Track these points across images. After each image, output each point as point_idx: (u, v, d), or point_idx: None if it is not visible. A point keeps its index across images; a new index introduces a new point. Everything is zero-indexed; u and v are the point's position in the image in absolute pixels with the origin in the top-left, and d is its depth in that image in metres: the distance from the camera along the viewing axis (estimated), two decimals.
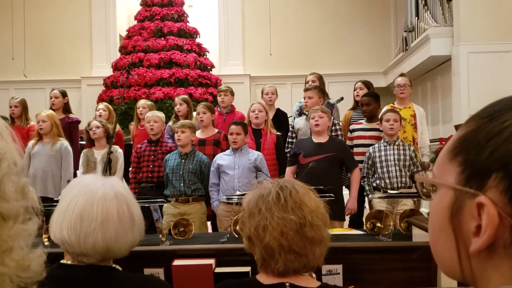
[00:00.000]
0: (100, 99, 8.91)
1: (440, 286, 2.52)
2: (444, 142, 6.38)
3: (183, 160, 4.42)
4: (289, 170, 4.41)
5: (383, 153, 4.38)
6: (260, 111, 4.84)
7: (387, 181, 4.32)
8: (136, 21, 9.97)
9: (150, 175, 4.69)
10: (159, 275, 2.48)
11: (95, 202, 1.39)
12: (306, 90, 5.06)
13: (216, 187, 4.39)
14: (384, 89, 9.40)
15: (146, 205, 2.84)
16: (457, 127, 6.03)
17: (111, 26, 11.07)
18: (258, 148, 4.67)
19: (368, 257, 2.68)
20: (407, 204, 4.01)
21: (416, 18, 8.63)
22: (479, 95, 6.65)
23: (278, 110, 5.61)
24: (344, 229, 3.81)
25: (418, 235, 2.80)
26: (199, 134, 4.87)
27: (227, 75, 10.38)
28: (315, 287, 1.48)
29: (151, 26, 9.59)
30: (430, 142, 5.77)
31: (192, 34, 9.87)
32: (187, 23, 9.98)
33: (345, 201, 4.38)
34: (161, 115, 5.01)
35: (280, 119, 5.50)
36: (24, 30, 10.75)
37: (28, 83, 10.58)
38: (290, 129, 5.07)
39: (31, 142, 5.07)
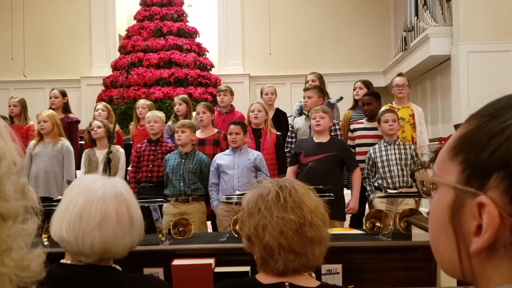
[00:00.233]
0: (100, 99, 8.90)
1: (440, 285, 2.52)
2: (443, 142, 6.38)
3: (183, 160, 4.42)
4: (290, 170, 4.41)
5: (383, 153, 4.38)
6: (260, 111, 4.83)
7: (389, 180, 4.32)
8: (135, 20, 9.96)
9: (149, 175, 4.69)
10: (159, 274, 2.48)
11: (95, 202, 1.39)
12: (305, 89, 5.06)
13: (216, 187, 4.39)
14: (384, 89, 9.39)
15: (146, 205, 2.84)
16: (456, 126, 6.03)
17: (111, 25, 11.07)
18: (257, 148, 4.67)
19: (367, 257, 2.68)
20: (409, 203, 4.01)
21: (416, 17, 8.63)
22: (479, 94, 6.65)
23: (278, 110, 5.61)
24: (343, 229, 3.81)
25: (418, 235, 2.80)
26: (198, 134, 4.87)
27: (227, 75, 10.38)
28: (315, 286, 1.48)
29: (151, 25, 9.59)
30: (430, 142, 5.77)
31: (191, 34, 9.87)
32: (187, 23, 9.97)
33: (346, 201, 4.38)
34: (161, 115, 5.01)
35: (280, 119, 5.50)
36: (24, 30, 10.75)
37: (28, 83, 10.58)
38: (290, 128, 5.07)
39: (32, 142, 5.06)
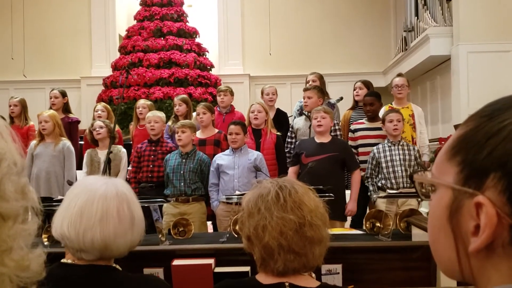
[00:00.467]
0: (100, 99, 8.91)
1: (440, 285, 2.52)
2: (443, 142, 6.38)
3: (183, 160, 4.42)
4: (291, 170, 4.41)
5: (388, 153, 4.37)
6: (260, 112, 4.83)
7: (393, 181, 4.31)
8: (135, 21, 9.97)
9: (150, 175, 4.69)
10: (159, 275, 2.48)
11: (96, 199, 1.40)
12: (305, 90, 5.06)
13: (216, 187, 4.39)
14: (384, 89, 9.38)
15: (146, 205, 2.84)
16: (456, 126, 6.02)
17: (111, 26, 11.07)
18: (258, 148, 4.67)
19: (367, 257, 2.68)
20: (411, 204, 4.01)
21: (416, 18, 8.63)
22: (479, 94, 6.65)
23: (278, 110, 5.61)
24: (343, 229, 3.81)
25: (418, 235, 2.80)
26: (199, 134, 4.87)
27: (227, 75, 10.38)
28: (315, 287, 1.48)
29: (151, 26, 9.59)
30: (430, 142, 5.77)
31: (191, 34, 9.87)
32: (187, 23, 9.98)
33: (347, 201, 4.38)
34: (161, 115, 5.01)
35: (281, 119, 5.49)
36: (24, 30, 10.75)
37: (28, 83, 10.58)
38: (290, 129, 5.07)
39: (33, 143, 5.06)
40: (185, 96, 5.86)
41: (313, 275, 1.62)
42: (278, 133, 4.89)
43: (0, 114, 4.56)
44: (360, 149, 4.74)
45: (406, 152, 4.38)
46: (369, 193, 4.47)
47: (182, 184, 4.37)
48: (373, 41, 10.82)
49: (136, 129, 5.71)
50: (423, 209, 4.49)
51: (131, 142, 5.79)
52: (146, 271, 2.45)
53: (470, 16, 7.07)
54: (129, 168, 5.10)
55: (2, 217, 0.64)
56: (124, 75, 5.60)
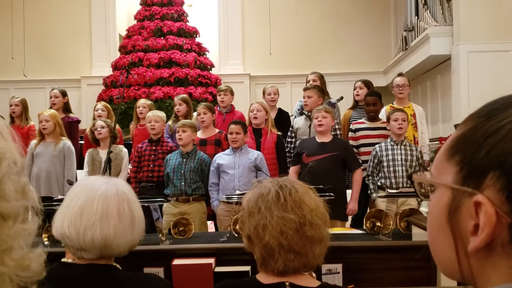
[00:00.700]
0: (100, 99, 8.90)
1: (440, 285, 2.52)
2: (443, 141, 6.38)
3: (184, 159, 4.42)
4: (292, 169, 4.41)
5: (390, 152, 4.37)
6: (259, 111, 4.83)
7: (393, 180, 4.31)
8: (135, 20, 9.96)
9: (150, 175, 4.69)
10: (159, 274, 2.48)
11: (96, 198, 1.41)
12: (305, 89, 5.06)
13: (216, 187, 4.39)
14: (384, 89, 9.38)
15: (146, 204, 2.84)
16: (456, 126, 6.02)
17: (111, 25, 11.07)
18: (258, 148, 4.67)
19: (368, 257, 2.68)
20: (411, 204, 4.00)
21: (416, 17, 8.63)
22: (479, 94, 6.65)
23: (280, 110, 5.61)
24: (344, 229, 3.81)
25: (418, 235, 2.80)
26: (200, 134, 4.87)
27: (227, 75, 10.38)
28: (315, 286, 1.48)
29: (151, 25, 9.59)
30: (430, 142, 5.78)
31: (191, 33, 9.87)
32: (187, 23, 9.97)
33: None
34: (162, 115, 5.01)
35: (282, 119, 5.49)
36: (24, 30, 10.75)
37: (28, 82, 10.58)
38: (290, 128, 5.07)
39: (33, 142, 5.06)
40: (185, 95, 5.86)
41: (314, 274, 1.62)
42: (279, 133, 4.89)
43: (0, 114, 4.57)
44: (362, 149, 4.73)
45: (408, 152, 4.37)
46: (369, 192, 4.47)
47: (183, 183, 4.37)
48: (373, 41, 10.81)
49: (136, 129, 5.71)
50: (424, 208, 4.49)
51: (131, 142, 5.79)
52: (147, 270, 2.45)
53: (471, 16, 7.06)
54: (129, 167, 5.10)
55: (2, 216, 0.64)
56: (124, 74, 5.60)
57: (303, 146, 4.42)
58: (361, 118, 5.04)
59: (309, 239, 1.43)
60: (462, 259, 0.63)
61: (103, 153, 5.00)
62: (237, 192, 3.78)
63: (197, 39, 9.98)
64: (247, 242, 1.49)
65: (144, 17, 9.78)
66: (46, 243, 2.74)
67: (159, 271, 2.50)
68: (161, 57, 9.23)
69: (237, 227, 2.72)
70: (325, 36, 10.83)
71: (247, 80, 10.74)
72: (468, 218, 0.61)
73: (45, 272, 0.71)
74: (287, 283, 1.45)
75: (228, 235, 2.95)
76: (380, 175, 4.40)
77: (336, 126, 4.75)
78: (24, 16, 10.73)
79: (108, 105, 6.14)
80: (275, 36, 10.69)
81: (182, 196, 4.37)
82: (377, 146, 4.47)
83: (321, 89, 5.10)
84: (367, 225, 3.12)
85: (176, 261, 2.47)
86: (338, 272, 2.52)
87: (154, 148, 4.79)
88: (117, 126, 5.60)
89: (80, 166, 5.28)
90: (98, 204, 1.40)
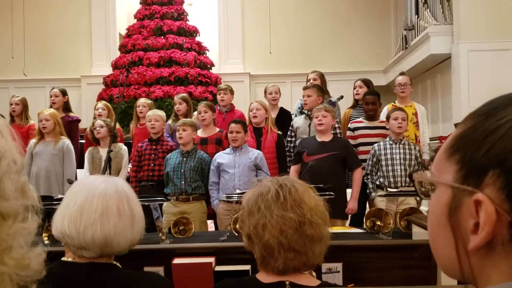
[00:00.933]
0: (100, 98, 8.91)
1: (440, 284, 2.52)
2: (444, 140, 6.38)
3: (184, 158, 4.42)
4: (293, 169, 4.41)
5: (388, 151, 4.37)
6: (258, 109, 4.83)
7: (391, 179, 4.31)
8: (135, 19, 9.97)
9: (151, 174, 4.69)
10: (159, 273, 2.48)
11: (96, 196, 1.41)
12: (304, 88, 5.06)
13: (216, 186, 4.39)
14: (384, 88, 9.39)
15: (146, 203, 2.84)
16: (457, 125, 6.02)
17: (111, 24, 11.07)
18: (258, 147, 4.67)
19: (368, 256, 2.68)
20: (410, 203, 4.00)
21: (416, 16, 8.63)
22: (479, 93, 6.65)
23: (282, 109, 5.61)
24: (344, 228, 3.81)
25: (418, 233, 2.80)
26: (200, 133, 4.86)
27: (227, 74, 10.38)
28: (315, 285, 1.48)
29: (151, 24, 9.59)
30: (430, 141, 5.78)
31: (191, 32, 9.87)
32: (187, 22, 9.98)
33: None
34: (162, 114, 5.01)
35: (284, 118, 5.48)
36: (24, 29, 10.75)
37: (28, 82, 10.58)
38: (290, 127, 5.06)
39: (32, 141, 5.06)
40: (185, 95, 5.86)
41: (314, 273, 1.62)
42: (279, 132, 4.89)
43: (0, 113, 4.57)
44: (361, 148, 4.73)
45: (407, 151, 4.37)
46: (368, 191, 4.47)
47: (183, 182, 4.37)
48: (373, 40, 10.81)
49: (136, 128, 5.71)
50: (424, 207, 4.49)
51: (131, 141, 5.79)
52: (147, 269, 2.45)
53: (471, 15, 7.06)
54: (129, 166, 5.10)
55: (2, 216, 0.64)
56: (124, 73, 5.59)
57: (303, 145, 4.42)
58: (361, 117, 5.04)
59: (308, 238, 1.43)
60: (463, 258, 0.63)
61: (103, 152, 5.00)
62: (237, 191, 3.78)
63: (197, 38, 9.98)
64: (247, 241, 1.49)
65: (144, 16, 9.78)
66: (46, 242, 2.74)
67: (159, 270, 2.50)
68: (161, 56, 9.23)
69: (237, 226, 2.72)
70: (325, 35, 10.83)
71: (247, 79, 10.74)
72: (469, 217, 0.61)
73: (45, 271, 0.71)
74: (287, 282, 1.45)
75: (228, 234, 2.95)
76: (379, 174, 4.40)
77: (336, 125, 4.75)
78: (24, 15, 10.73)
79: (109, 104, 6.14)
80: (275, 35, 10.69)
81: (182, 195, 4.37)
82: (375, 145, 4.46)
83: (321, 88, 5.09)
84: (367, 224, 3.12)
85: (176, 260, 2.47)
86: (338, 271, 2.52)
87: (154, 147, 4.79)
88: (118, 126, 5.61)
89: (80, 165, 5.28)
90: (98, 202, 1.40)
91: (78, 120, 6.06)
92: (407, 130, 4.82)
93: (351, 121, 5.09)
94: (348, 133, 4.90)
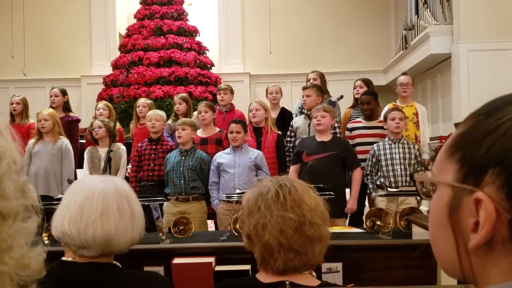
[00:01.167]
0: (100, 98, 8.91)
1: (440, 284, 2.52)
2: (444, 140, 6.39)
3: (183, 157, 4.42)
4: (292, 168, 4.41)
5: (388, 151, 4.37)
6: (258, 110, 4.83)
7: (392, 179, 4.31)
8: (135, 19, 9.97)
9: (151, 174, 4.69)
10: (159, 273, 2.48)
11: (96, 195, 1.41)
12: (304, 88, 5.06)
13: (216, 186, 4.39)
14: (384, 88, 9.40)
15: (146, 203, 2.84)
16: (457, 125, 6.03)
17: (111, 24, 11.07)
18: (259, 147, 4.67)
19: (368, 255, 2.68)
20: (410, 203, 4.01)
21: (416, 16, 8.63)
22: (479, 93, 6.65)
23: (283, 109, 5.60)
24: (344, 227, 3.81)
25: (418, 233, 2.80)
26: (201, 133, 4.86)
27: (227, 74, 10.38)
28: (315, 285, 1.48)
29: (151, 24, 9.59)
30: (430, 140, 5.78)
31: (191, 32, 9.87)
32: (187, 22, 9.97)
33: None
34: (162, 114, 5.01)
35: (286, 118, 5.48)
36: (24, 29, 10.75)
37: (28, 81, 10.58)
38: (289, 127, 5.06)
39: (31, 141, 5.06)
40: (185, 94, 5.86)
41: (314, 273, 1.62)
42: (279, 132, 4.89)
43: (0, 113, 4.57)
44: (358, 148, 4.74)
45: (406, 150, 4.38)
46: (368, 191, 4.47)
47: (182, 182, 4.37)
48: (373, 40, 10.81)
49: (136, 128, 5.70)
50: (424, 207, 4.49)
51: (131, 141, 5.79)
52: (147, 269, 2.45)
53: (471, 15, 7.06)
54: (129, 166, 5.10)
55: (2, 215, 0.64)
56: (124, 73, 5.60)
57: (303, 145, 4.42)
58: (361, 117, 5.05)
59: (308, 238, 1.43)
60: (463, 257, 0.63)
61: (102, 151, 5.01)
62: (237, 191, 3.78)
63: (197, 38, 9.98)
64: (247, 241, 1.49)
65: (144, 16, 9.78)
66: (46, 242, 2.74)
67: (159, 270, 2.50)
68: (161, 56, 9.23)
69: (237, 226, 2.72)
70: (325, 35, 10.83)
71: (247, 79, 10.74)
72: (469, 216, 0.61)
73: (45, 271, 0.71)
74: (287, 282, 1.45)
75: (228, 234, 2.95)
76: (379, 174, 4.40)
77: (336, 125, 4.75)
78: (24, 15, 10.73)
79: (110, 104, 6.13)
80: (275, 34, 10.69)
81: (181, 195, 4.37)
82: (375, 145, 4.47)
83: (320, 88, 5.09)
84: (367, 224, 3.12)
85: (176, 260, 2.47)
86: (338, 271, 2.52)
87: (154, 147, 4.79)
88: (119, 126, 5.61)
89: (80, 165, 5.28)
90: (98, 201, 1.40)
91: (78, 120, 6.05)
92: (407, 129, 4.82)
93: (350, 121, 5.10)
94: (346, 133, 4.91)
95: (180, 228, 3.13)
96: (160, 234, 2.90)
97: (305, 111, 4.90)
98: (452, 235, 0.63)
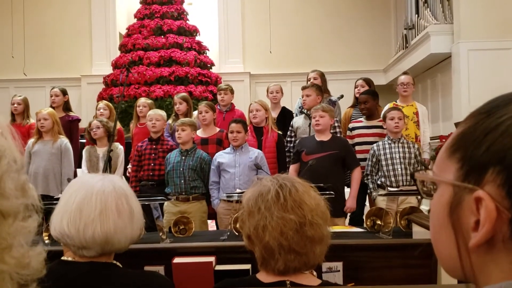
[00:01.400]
0: (100, 97, 8.91)
1: (440, 283, 2.52)
2: (444, 140, 6.39)
3: (183, 157, 4.43)
4: (292, 168, 4.41)
5: (387, 150, 4.38)
6: (258, 110, 4.83)
7: (392, 179, 4.31)
8: (135, 19, 9.96)
9: (151, 173, 4.69)
10: (159, 272, 2.48)
11: (94, 194, 1.41)
12: (303, 88, 5.06)
13: (217, 185, 4.39)
14: (384, 87, 9.39)
15: (147, 203, 2.84)
16: (457, 124, 6.02)
17: (111, 24, 11.06)
18: (259, 146, 4.67)
19: (368, 255, 2.68)
20: (411, 202, 4.00)
21: (416, 15, 8.62)
22: (479, 92, 6.65)
23: (284, 109, 5.60)
24: (344, 227, 3.81)
25: (418, 233, 2.80)
26: (201, 133, 4.86)
27: (227, 73, 10.38)
28: (316, 285, 1.48)
29: (151, 24, 9.59)
30: (430, 140, 5.78)
31: (192, 32, 9.86)
32: (187, 21, 9.97)
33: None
34: (163, 113, 5.01)
35: (286, 117, 5.48)
36: (24, 29, 10.74)
37: (28, 81, 10.58)
38: (290, 127, 5.06)
39: (30, 141, 5.06)
40: (185, 94, 5.86)
41: (314, 273, 1.62)
42: (279, 132, 4.89)
43: (0, 112, 4.57)
44: (357, 147, 4.75)
45: (406, 149, 4.38)
46: (368, 191, 4.47)
47: (182, 181, 4.37)
48: (373, 39, 10.81)
49: (136, 128, 5.71)
50: (424, 207, 4.49)
51: (131, 141, 5.79)
52: (147, 269, 2.45)
53: (471, 14, 7.06)
54: (129, 166, 5.09)
55: (2, 214, 0.64)
56: (125, 73, 5.60)
57: (302, 144, 4.42)
58: (361, 117, 5.05)
59: (309, 239, 1.42)
60: (464, 256, 0.63)
61: (100, 150, 5.02)
62: (238, 190, 3.78)
63: (197, 38, 9.98)
64: (247, 241, 1.49)
65: (144, 15, 9.78)
66: (46, 241, 2.74)
67: (160, 270, 2.50)
68: (161, 56, 9.23)
69: (238, 225, 2.72)
70: (326, 34, 10.83)
71: (247, 78, 10.74)
72: (469, 214, 0.61)
73: (45, 270, 0.70)
74: (288, 282, 1.45)
75: (228, 233, 2.95)
76: (379, 173, 4.41)
77: (336, 125, 4.75)
78: (24, 14, 10.73)
79: (110, 104, 6.13)
80: (275, 34, 10.68)
81: (182, 195, 4.37)
82: (374, 145, 4.47)
83: (319, 88, 5.09)
84: (368, 223, 3.12)
85: (177, 260, 2.47)
86: (339, 270, 2.52)
87: (154, 146, 4.79)
88: (120, 126, 5.61)
89: (80, 165, 5.28)
90: (97, 201, 1.40)
91: (78, 120, 6.06)
92: (407, 129, 4.83)
93: (351, 121, 5.10)
94: (348, 132, 4.93)
95: (181, 228, 3.13)
96: (161, 234, 2.90)
97: (305, 111, 4.90)
98: (453, 234, 0.63)
